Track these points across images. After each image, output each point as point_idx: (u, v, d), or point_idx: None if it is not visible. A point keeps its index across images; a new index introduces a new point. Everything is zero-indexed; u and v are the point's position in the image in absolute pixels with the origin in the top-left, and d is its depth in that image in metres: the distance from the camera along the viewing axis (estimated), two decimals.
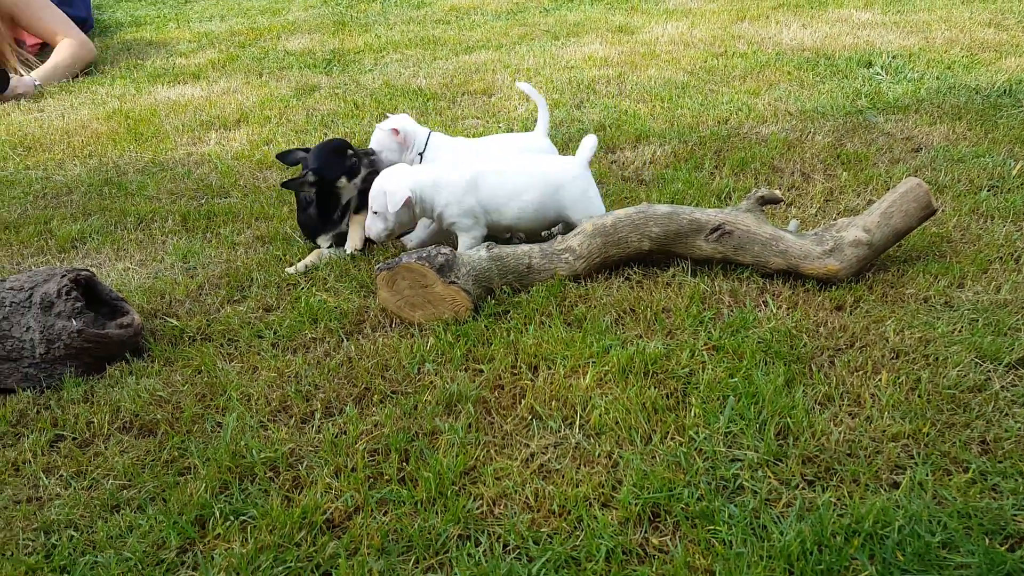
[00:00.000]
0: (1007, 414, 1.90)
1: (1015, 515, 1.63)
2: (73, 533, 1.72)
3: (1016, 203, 2.88)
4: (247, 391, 2.13)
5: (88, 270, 2.29)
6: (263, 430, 1.99)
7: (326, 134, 4.09)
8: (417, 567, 1.59)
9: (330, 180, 2.86)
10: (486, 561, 1.59)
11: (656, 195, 3.09)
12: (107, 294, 2.34)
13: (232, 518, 1.72)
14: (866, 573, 1.51)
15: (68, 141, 4.29)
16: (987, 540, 1.57)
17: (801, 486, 1.73)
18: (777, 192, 2.56)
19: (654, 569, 1.56)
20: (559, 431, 1.93)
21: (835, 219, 2.77)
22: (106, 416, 2.05)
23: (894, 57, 4.74)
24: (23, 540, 1.71)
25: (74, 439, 2.00)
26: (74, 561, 1.64)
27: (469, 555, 1.61)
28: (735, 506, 1.67)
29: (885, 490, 1.71)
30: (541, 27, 6.31)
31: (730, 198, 3.07)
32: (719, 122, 3.94)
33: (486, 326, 2.35)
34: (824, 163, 3.36)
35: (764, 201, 2.56)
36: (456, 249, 2.61)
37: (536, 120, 3.14)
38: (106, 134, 4.35)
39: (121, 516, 1.75)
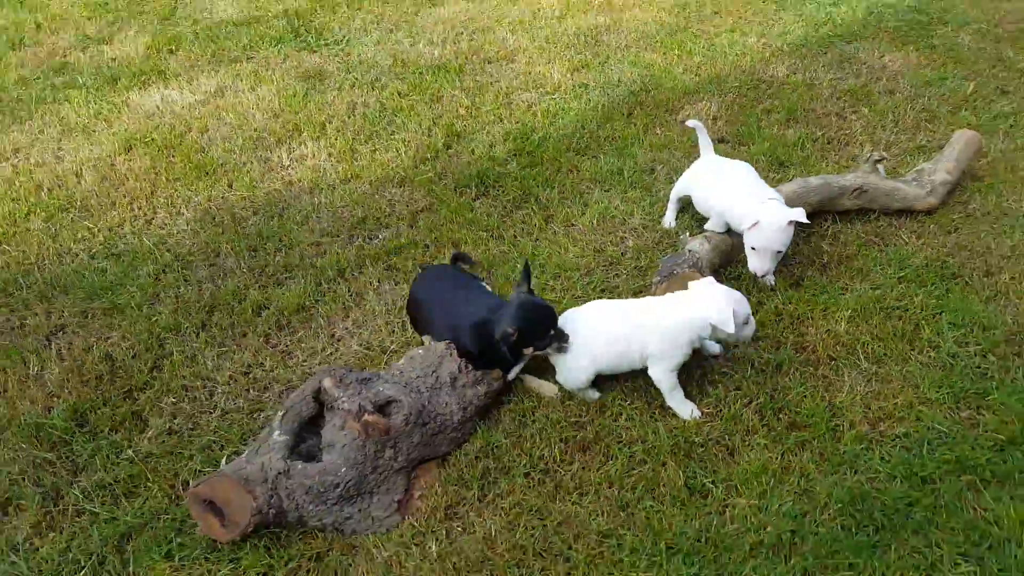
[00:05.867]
0: None
1: None
2: None
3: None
4: None
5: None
6: None
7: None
8: None
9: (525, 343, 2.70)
10: None
11: (752, 152, 3.85)
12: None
13: None
14: None
15: None
16: None
17: None
18: (885, 154, 3.52)
19: None
20: None
21: (919, 163, 3.73)
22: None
23: None
24: None
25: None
26: None
27: None
28: None
29: None
30: None
31: (803, 147, 3.92)
32: (737, 69, 4.65)
33: None
34: (842, 101, 4.30)
35: (876, 160, 3.50)
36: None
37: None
38: None
39: None
